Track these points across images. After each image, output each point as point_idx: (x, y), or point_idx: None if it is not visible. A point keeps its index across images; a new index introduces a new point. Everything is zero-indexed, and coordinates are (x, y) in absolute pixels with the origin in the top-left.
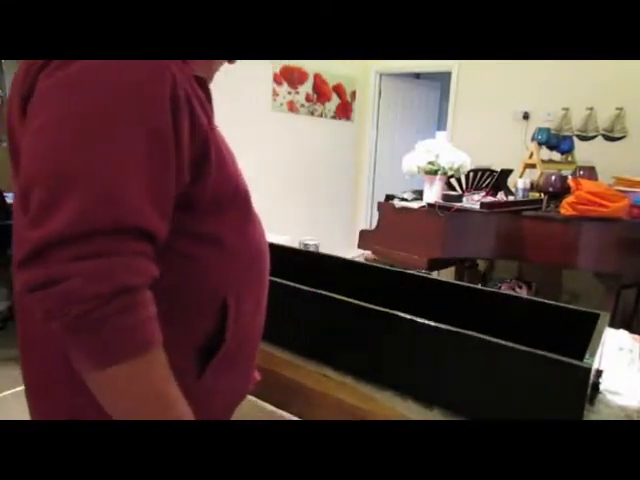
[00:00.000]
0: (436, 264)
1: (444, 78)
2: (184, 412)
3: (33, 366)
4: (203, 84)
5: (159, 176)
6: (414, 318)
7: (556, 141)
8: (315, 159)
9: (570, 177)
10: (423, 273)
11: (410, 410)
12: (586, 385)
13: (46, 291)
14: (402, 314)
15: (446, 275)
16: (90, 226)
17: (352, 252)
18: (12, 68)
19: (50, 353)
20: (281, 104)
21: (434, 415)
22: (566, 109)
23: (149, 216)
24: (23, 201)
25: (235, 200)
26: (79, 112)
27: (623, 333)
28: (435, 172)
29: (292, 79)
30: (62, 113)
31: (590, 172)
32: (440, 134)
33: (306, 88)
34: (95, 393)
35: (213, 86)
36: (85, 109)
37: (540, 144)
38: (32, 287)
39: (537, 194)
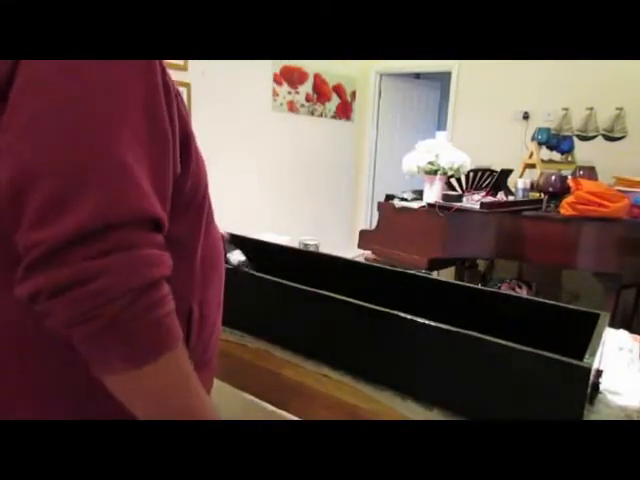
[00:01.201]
0: (436, 264)
1: (444, 78)
2: (207, 401)
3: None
4: None
5: (161, 165)
6: (414, 318)
7: (556, 141)
8: (315, 159)
9: (570, 177)
10: (423, 273)
11: (410, 410)
12: (586, 385)
13: (72, 293)
14: (402, 314)
15: (446, 275)
16: (108, 220)
17: (352, 252)
18: None
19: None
20: (281, 104)
21: (434, 415)
22: (566, 109)
23: (157, 206)
24: (8, 202)
25: (202, 200)
26: (80, 98)
27: (623, 333)
28: (435, 172)
29: (292, 79)
30: (63, 98)
31: (590, 172)
32: (440, 134)
33: (306, 88)
34: (124, 395)
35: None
36: (85, 95)
37: (540, 144)
38: (52, 292)
39: (537, 194)
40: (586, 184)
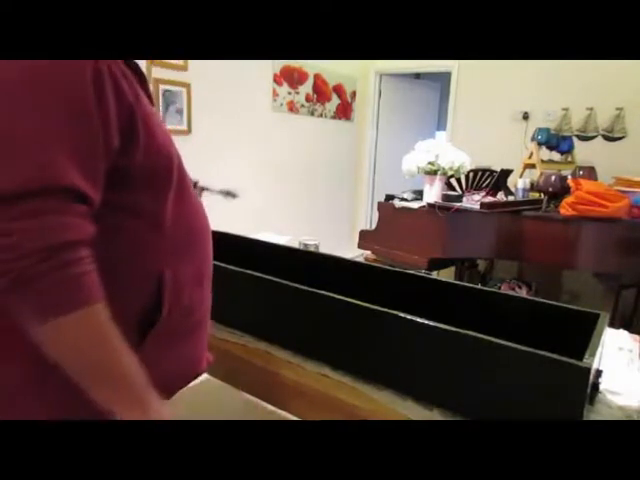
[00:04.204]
0: (436, 264)
1: (444, 78)
2: (128, 359)
3: None
4: (134, 67)
5: (84, 142)
6: (414, 318)
7: (556, 141)
8: (315, 159)
9: (570, 177)
10: (423, 273)
11: (410, 410)
12: (586, 385)
13: None
14: (402, 314)
15: (446, 275)
16: (22, 188)
17: (352, 252)
18: None
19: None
20: (281, 104)
21: (434, 415)
22: (566, 109)
23: (77, 178)
24: None
25: (169, 174)
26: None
27: (623, 333)
28: (435, 172)
29: (292, 79)
30: None
31: (590, 172)
32: (440, 134)
33: (306, 88)
34: (46, 346)
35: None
36: (8, 85)
37: (540, 144)
38: None
39: (537, 194)
40: (586, 184)
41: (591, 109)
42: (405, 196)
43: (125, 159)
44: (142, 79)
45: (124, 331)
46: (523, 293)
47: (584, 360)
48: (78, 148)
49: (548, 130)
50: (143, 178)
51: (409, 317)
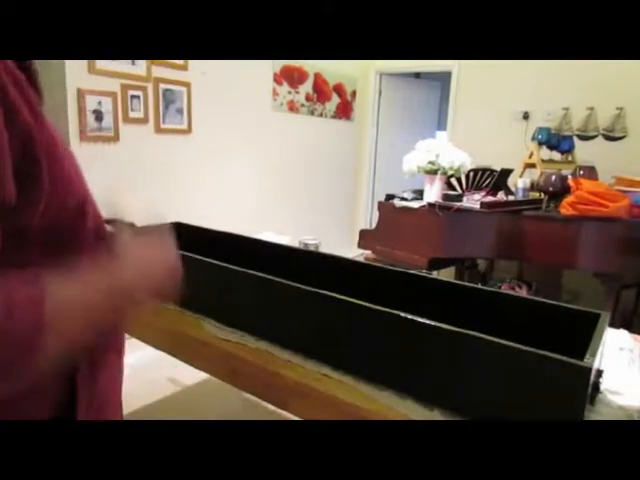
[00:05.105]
0: (436, 264)
1: (444, 78)
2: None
3: None
4: (23, 64)
5: None
6: (414, 318)
7: (556, 141)
8: (315, 159)
9: (570, 177)
10: (423, 273)
11: (410, 410)
12: (587, 385)
13: None
14: (402, 314)
15: (446, 275)
16: None
17: (352, 252)
18: None
19: None
20: (281, 104)
21: (434, 415)
22: (566, 109)
23: None
24: None
25: (79, 223)
26: None
27: (623, 333)
28: (435, 172)
29: (292, 79)
30: None
31: (590, 172)
32: (440, 134)
33: (306, 88)
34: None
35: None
36: None
37: (540, 144)
38: None
39: (537, 194)
40: (586, 184)
41: (591, 109)
42: (405, 196)
43: (21, 216)
44: (32, 78)
45: None
46: (523, 293)
47: (585, 360)
48: None
49: (548, 130)
50: (38, 233)
51: (409, 317)
